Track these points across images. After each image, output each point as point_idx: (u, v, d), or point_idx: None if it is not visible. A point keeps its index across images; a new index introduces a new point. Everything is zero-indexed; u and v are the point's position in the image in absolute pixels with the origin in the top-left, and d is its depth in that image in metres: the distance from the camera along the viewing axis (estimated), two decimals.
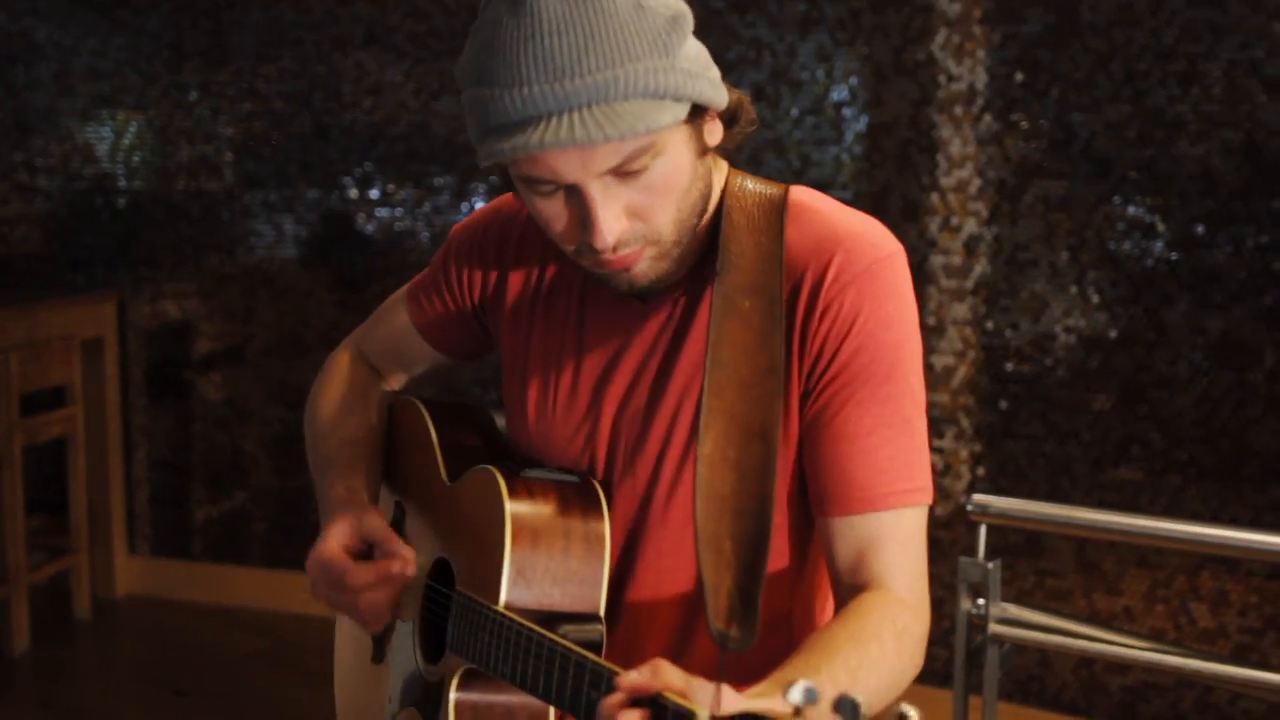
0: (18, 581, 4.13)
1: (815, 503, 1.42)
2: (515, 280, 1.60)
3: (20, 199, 4.71)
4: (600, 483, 1.49)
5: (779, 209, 1.43)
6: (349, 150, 4.31)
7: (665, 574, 1.48)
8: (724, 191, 1.47)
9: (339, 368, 1.83)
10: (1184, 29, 3.28)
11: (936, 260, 3.58)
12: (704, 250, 1.46)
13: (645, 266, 1.37)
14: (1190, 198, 3.33)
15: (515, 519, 1.40)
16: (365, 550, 1.54)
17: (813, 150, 3.67)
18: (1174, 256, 3.36)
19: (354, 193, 4.32)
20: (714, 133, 1.39)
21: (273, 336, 4.50)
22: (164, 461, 4.69)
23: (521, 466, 1.48)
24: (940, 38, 3.52)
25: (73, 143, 4.63)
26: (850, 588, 1.38)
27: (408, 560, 1.51)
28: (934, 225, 3.57)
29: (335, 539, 1.53)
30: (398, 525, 1.73)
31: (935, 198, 3.56)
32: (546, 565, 1.40)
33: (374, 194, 4.30)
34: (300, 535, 4.50)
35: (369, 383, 1.81)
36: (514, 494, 1.42)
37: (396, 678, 1.62)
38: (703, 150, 1.37)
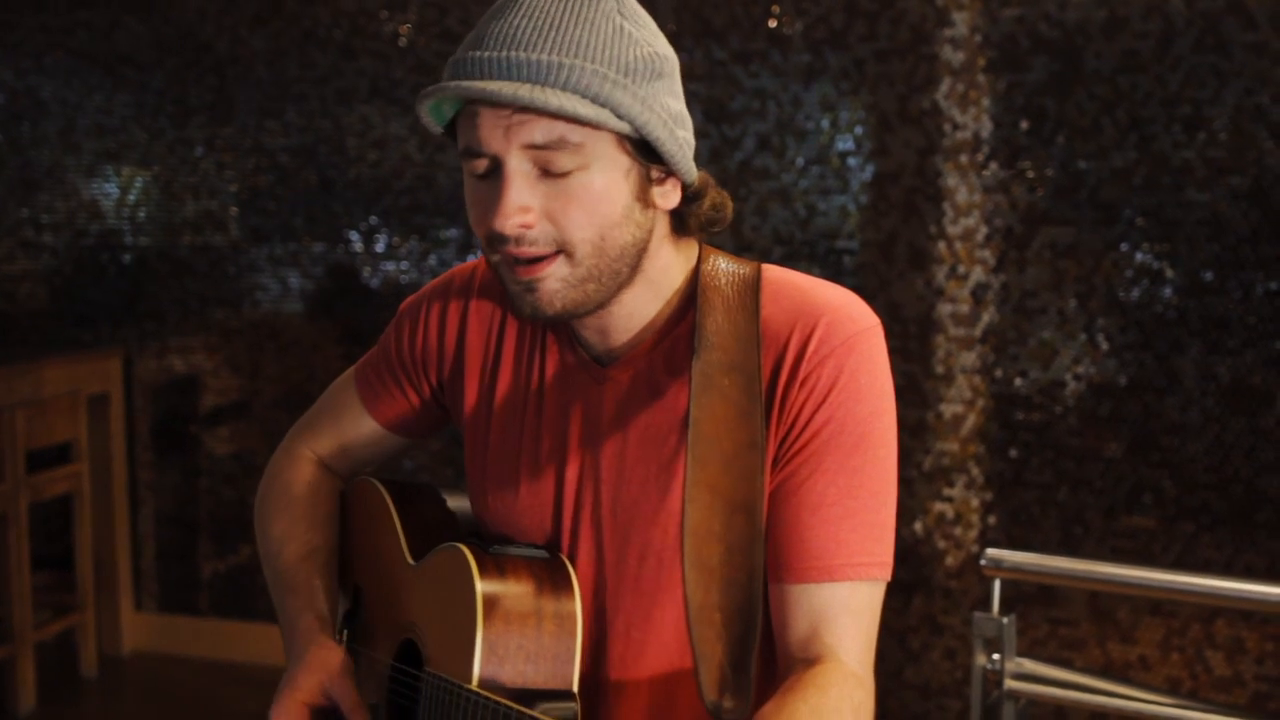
0: (24, 639, 4.11)
1: (772, 568, 1.39)
2: (472, 352, 1.58)
3: (26, 255, 4.71)
4: (566, 556, 1.47)
5: (753, 287, 1.43)
6: (354, 204, 4.31)
7: (636, 644, 1.46)
8: (697, 271, 1.46)
9: (285, 471, 1.78)
10: (1189, 75, 3.28)
11: (944, 309, 3.57)
12: (670, 325, 1.45)
13: (553, 288, 1.35)
14: (1198, 244, 3.32)
15: (486, 597, 1.38)
16: (328, 708, 1.53)
17: (818, 200, 3.67)
18: (1183, 303, 3.35)
19: (359, 246, 4.32)
20: (667, 196, 1.39)
21: (279, 390, 4.49)
22: (170, 517, 4.67)
23: (489, 543, 1.46)
24: (945, 86, 3.52)
25: (78, 199, 4.64)
26: (801, 659, 1.36)
27: None
28: (941, 274, 3.56)
29: (300, 699, 1.51)
30: (354, 613, 1.71)
31: (942, 246, 3.56)
32: (519, 643, 1.38)
33: (379, 247, 4.30)
34: None
35: (318, 483, 1.76)
36: (484, 571, 1.40)
37: None
38: (645, 200, 1.36)
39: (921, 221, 3.58)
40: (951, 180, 3.54)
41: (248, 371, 4.52)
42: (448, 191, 4.19)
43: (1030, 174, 3.47)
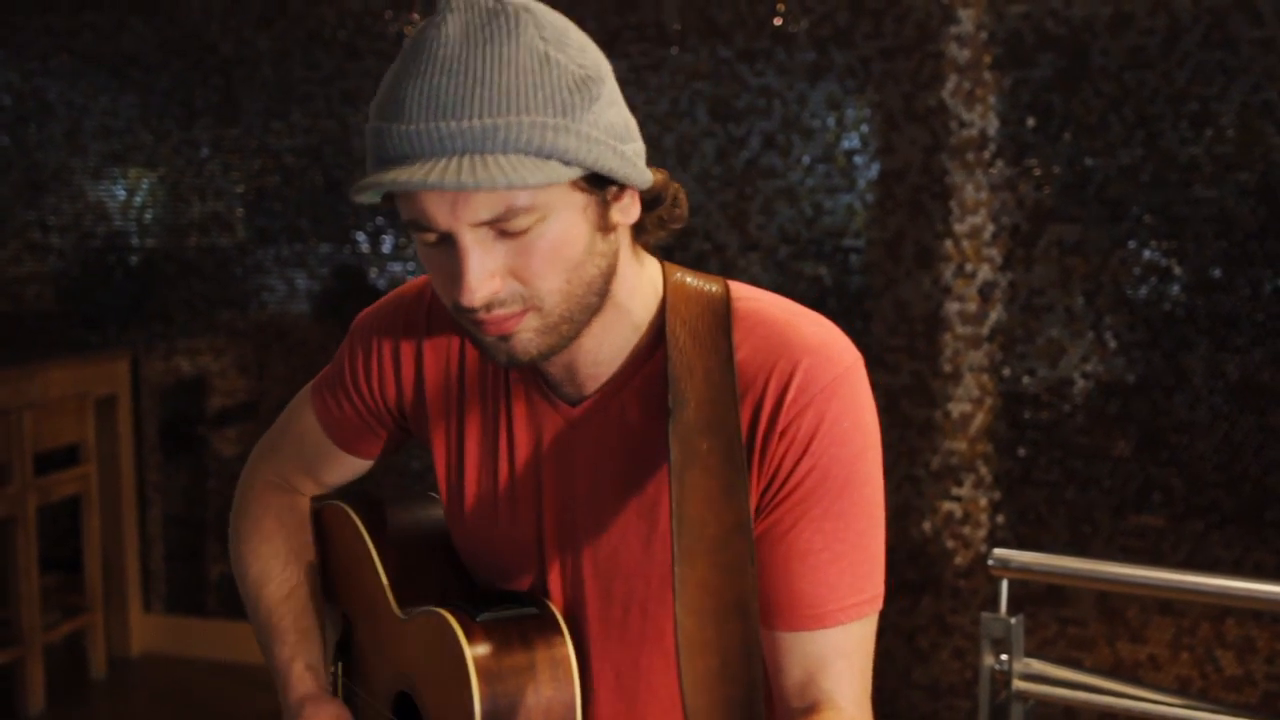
0: (32, 642, 4.11)
1: (763, 616, 1.35)
2: (433, 387, 1.51)
3: (33, 257, 4.72)
4: (550, 600, 1.45)
5: (724, 319, 1.36)
6: (360, 205, 4.30)
7: (628, 692, 1.44)
8: (664, 299, 1.39)
9: (252, 504, 1.71)
10: (1196, 71, 3.27)
11: (951, 307, 3.56)
12: (639, 361, 1.39)
13: (527, 339, 1.28)
14: (1206, 240, 3.31)
15: (481, 672, 1.36)
16: None
17: (824, 198, 3.66)
18: (1191, 300, 3.34)
19: (366, 247, 4.32)
20: (626, 210, 1.31)
21: (286, 391, 4.47)
22: (179, 518, 4.67)
23: (477, 607, 1.42)
24: (951, 84, 3.51)
25: (85, 201, 4.64)
26: (798, 707, 1.34)
27: None
28: (948, 272, 3.55)
29: None
30: (346, 641, 1.69)
31: (949, 244, 3.55)
32: (521, 707, 1.37)
33: (386, 248, 4.30)
34: None
35: (288, 512, 1.70)
36: (473, 644, 1.37)
37: None
38: (605, 226, 1.29)
39: (928, 220, 3.57)
40: (958, 178, 3.53)
41: (255, 372, 4.52)
42: None
43: (1037, 171, 3.46)
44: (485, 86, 1.18)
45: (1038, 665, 2.32)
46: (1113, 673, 3.35)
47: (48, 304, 4.73)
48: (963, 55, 3.49)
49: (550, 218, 1.24)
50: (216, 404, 4.60)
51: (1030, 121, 3.45)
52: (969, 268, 3.53)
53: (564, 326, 1.29)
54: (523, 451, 1.45)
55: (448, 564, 1.58)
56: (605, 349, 1.38)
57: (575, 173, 1.22)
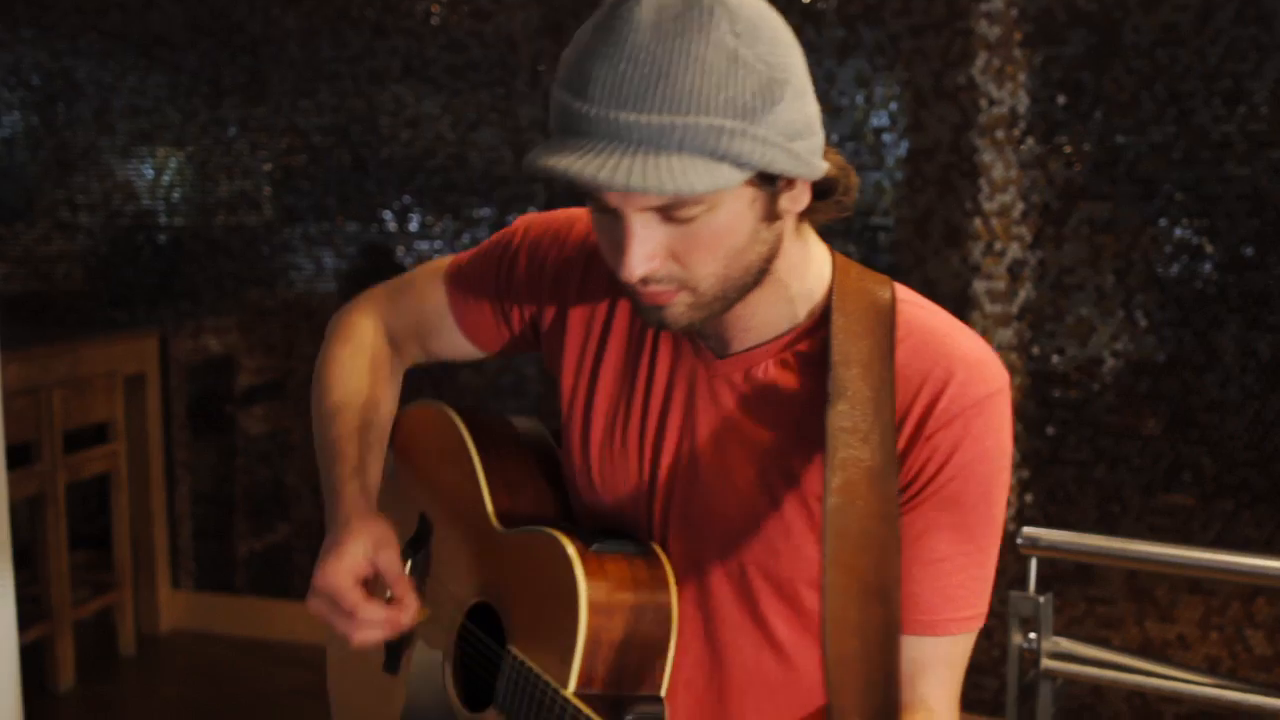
0: (62, 618, 4.14)
1: None
2: (580, 311, 1.54)
3: (62, 236, 4.73)
4: (658, 544, 1.46)
5: (888, 318, 1.38)
6: (387, 183, 4.31)
7: (715, 653, 1.45)
8: (830, 289, 1.41)
9: (357, 334, 1.71)
10: (1229, 48, 3.24)
11: (980, 286, 3.54)
12: (797, 337, 1.41)
13: (679, 311, 1.31)
14: (1238, 218, 3.28)
15: (591, 602, 1.36)
16: (372, 577, 1.50)
17: None
18: (1222, 278, 3.32)
19: (393, 225, 4.32)
20: (795, 199, 1.31)
21: (313, 369, 4.49)
22: (207, 496, 4.69)
23: (589, 535, 1.42)
24: (980, 61, 3.49)
25: (113, 180, 4.66)
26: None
27: (415, 614, 1.48)
28: (977, 250, 3.53)
29: (348, 566, 1.47)
30: (421, 541, 1.68)
31: (978, 223, 3.53)
32: (617, 646, 1.38)
33: (413, 226, 4.30)
34: None
35: (384, 359, 1.70)
36: (588, 573, 1.37)
37: (419, 701, 1.59)
38: (772, 215, 1.30)
39: (957, 198, 3.55)
40: (988, 156, 3.51)
41: (282, 351, 4.53)
42: (480, 170, 4.19)
43: (1067, 149, 3.44)
44: (669, 82, 1.17)
45: (1066, 644, 2.31)
46: (1141, 652, 3.34)
47: (76, 283, 4.75)
48: (993, 32, 3.47)
49: (718, 209, 1.25)
50: (244, 382, 4.61)
51: (1061, 99, 3.43)
52: (998, 246, 3.52)
53: (717, 304, 1.32)
54: (657, 390, 1.47)
55: (548, 488, 1.60)
56: (758, 317, 1.40)
57: (746, 175, 1.22)
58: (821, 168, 1.30)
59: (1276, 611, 3.31)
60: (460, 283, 1.64)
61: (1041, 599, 2.28)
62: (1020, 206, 3.49)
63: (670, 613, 1.41)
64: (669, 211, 1.24)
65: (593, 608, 1.36)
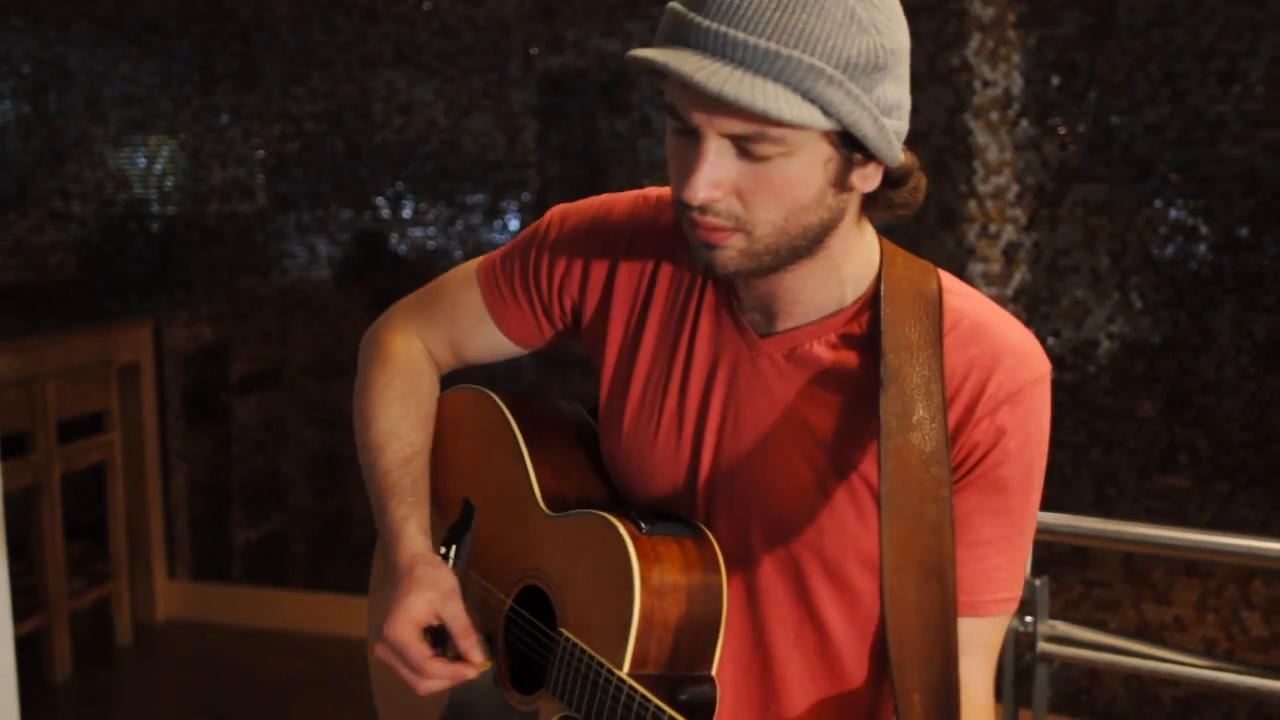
0: (58, 608, 4.13)
1: None
2: (621, 294, 1.54)
3: (55, 226, 4.72)
4: (703, 521, 1.46)
5: (935, 307, 1.40)
6: (381, 170, 4.30)
7: (757, 630, 1.46)
8: (879, 273, 1.43)
9: (391, 354, 1.71)
10: (1223, 27, 3.23)
11: (975, 268, 3.53)
12: (842, 321, 1.42)
13: (729, 255, 1.32)
14: (1233, 199, 3.27)
15: (645, 584, 1.37)
16: (438, 628, 1.53)
17: None
18: (1218, 259, 3.31)
19: (386, 212, 4.31)
20: (867, 179, 1.33)
21: (309, 358, 4.49)
22: (202, 485, 4.69)
23: (640, 517, 1.43)
24: (974, 43, 3.47)
25: (106, 169, 4.64)
26: None
27: (479, 668, 1.51)
28: (972, 233, 3.53)
29: (414, 617, 1.51)
30: (464, 526, 1.68)
31: (973, 205, 3.52)
32: (671, 627, 1.39)
33: (406, 213, 4.29)
34: (340, 557, 4.49)
35: (425, 376, 1.71)
36: (641, 555, 1.39)
37: (466, 685, 1.59)
38: (842, 185, 1.32)
39: (952, 180, 3.54)
40: (982, 138, 3.50)
41: (277, 339, 4.52)
42: (473, 156, 4.17)
43: (1062, 130, 3.43)
44: (785, 14, 1.21)
45: (1062, 627, 2.31)
46: (1138, 634, 3.34)
47: (70, 272, 4.74)
48: (986, 13, 3.46)
49: (794, 156, 1.27)
50: (239, 371, 4.60)
51: (1055, 80, 3.42)
52: (993, 228, 3.51)
53: (767, 257, 1.33)
54: (699, 367, 1.48)
55: (593, 470, 1.60)
56: (807, 292, 1.41)
57: (831, 125, 1.24)
58: (900, 155, 1.33)
59: (1273, 593, 3.31)
60: (495, 281, 1.64)
61: (1038, 582, 2.28)
62: (1015, 188, 3.48)
63: (721, 593, 1.42)
64: (746, 144, 1.26)
65: (646, 589, 1.37)
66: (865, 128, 1.26)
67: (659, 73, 1.27)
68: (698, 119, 1.26)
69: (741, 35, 1.21)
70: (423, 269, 4.28)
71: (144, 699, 4.18)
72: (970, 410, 1.36)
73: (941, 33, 3.50)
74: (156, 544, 4.64)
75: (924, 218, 3.55)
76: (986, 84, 3.48)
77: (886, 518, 1.33)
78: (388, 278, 4.34)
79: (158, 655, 4.47)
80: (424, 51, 4.18)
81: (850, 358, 1.41)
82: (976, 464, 1.37)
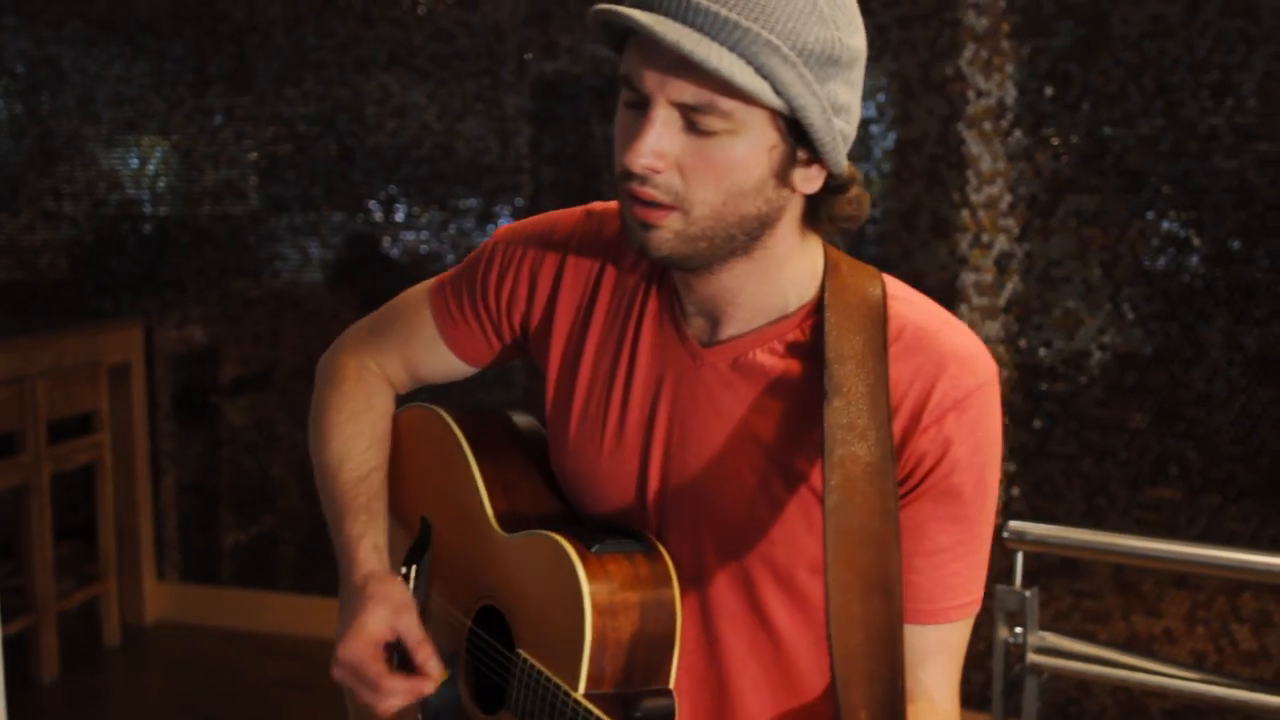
0: (47, 609, 4.12)
1: None
2: (564, 308, 1.54)
3: (46, 226, 4.71)
4: (655, 535, 1.46)
5: (879, 315, 1.39)
6: (373, 173, 4.29)
7: (711, 644, 1.46)
8: (823, 284, 1.43)
9: (344, 377, 1.72)
10: (1217, 40, 3.24)
11: (968, 278, 3.53)
12: (786, 328, 1.42)
13: (664, 236, 1.32)
14: (1225, 211, 3.28)
15: (595, 605, 1.37)
16: (395, 642, 1.53)
17: None
18: (1210, 272, 3.31)
19: (379, 216, 4.31)
20: (808, 179, 1.35)
21: (299, 360, 4.48)
22: (192, 487, 4.68)
23: (590, 535, 1.43)
24: (968, 53, 3.48)
25: (98, 169, 4.63)
26: None
27: (437, 681, 1.50)
28: (964, 242, 3.53)
29: (369, 636, 1.50)
30: (423, 545, 1.68)
31: (965, 214, 3.52)
32: (625, 644, 1.39)
33: (399, 217, 4.28)
34: (329, 560, 4.47)
35: (378, 398, 1.71)
36: (591, 576, 1.38)
37: (434, 703, 1.60)
38: (783, 179, 1.33)
39: (945, 190, 3.54)
40: (975, 148, 3.50)
41: (268, 341, 4.52)
42: (466, 160, 4.17)
43: (1055, 141, 3.43)
44: None
45: (1052, 638, 2.31)
46: (1127, 646, 3.34)
47: (61, 272, 4.73)
48: (981, 23, 3.46)
49: (739, 135, 1.28)
50: (230, 372, 4.60)
51: (1048, 91, 3.42)
52: (985, 238, 3.51)
53: (701, 243, 1.33)
54: (642, 378, 1.48)
55: (544, 486, 1.61)
56: (745, 294, 1.41)
57: (780, 106, 1.26)
58: (844, 161, 1.34)
59: (1262, 606, 3.31)
60: (445, 302, 1.65)
61: (1027, 593, 2.28)
62: (1008, 199, 3.48)
63: (674, 607, 1.42)
64: (694, 115, 1.27)
65: (597, 610, 1.37)
66: (813, 115, 1.27)
67: (618, 36, 1.31)
68: (650, 83, 1.28)
69: (704, 2, 1.23)
70: (414, 273, 4.27)
71: (132, 700, 4.17)
72: (916, 419, 1.36)
73: (936, 42, 3.51)
74: (145, 545, 4.63)
75: (917, 226, 3.56)
76: (980, 94, 3.48)
77: (831, 533, 1.32)
78: (379, 281, 4.33)
79: (146, 656, 4.46)
80: (418, 55, 4.17)
81: (795, 366, 1.41)
82: (927, 474, 1.36)
